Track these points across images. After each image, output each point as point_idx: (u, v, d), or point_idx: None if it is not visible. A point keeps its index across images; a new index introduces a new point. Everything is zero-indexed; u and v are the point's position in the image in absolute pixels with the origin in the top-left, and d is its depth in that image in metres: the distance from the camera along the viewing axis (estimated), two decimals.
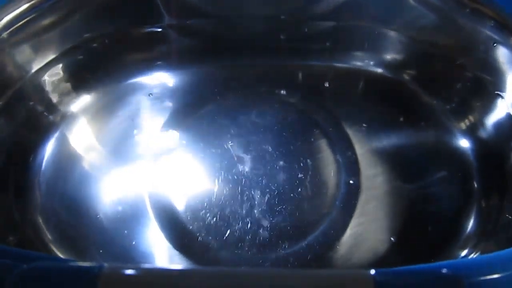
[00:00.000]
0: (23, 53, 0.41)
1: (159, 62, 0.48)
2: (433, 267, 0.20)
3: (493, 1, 0.40)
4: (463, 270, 0.20)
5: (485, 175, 0.41)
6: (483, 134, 0.42)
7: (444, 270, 0.19)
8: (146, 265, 0.35)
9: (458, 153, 0.43)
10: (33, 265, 0.19)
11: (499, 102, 0.40)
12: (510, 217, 0.38)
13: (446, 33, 0.43)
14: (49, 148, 0.43)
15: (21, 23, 0.39)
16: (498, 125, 0.41)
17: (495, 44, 0.39)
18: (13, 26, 0.39)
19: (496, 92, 0.41)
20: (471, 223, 0.40)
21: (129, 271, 0.19)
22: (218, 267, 0.36)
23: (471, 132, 0.43)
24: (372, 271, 0.19)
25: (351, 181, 0.42)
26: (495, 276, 0.20)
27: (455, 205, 0.41)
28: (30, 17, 0.40)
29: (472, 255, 0.37)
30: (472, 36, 0.41)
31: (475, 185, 0.41)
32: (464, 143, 0.43)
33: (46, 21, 0.41)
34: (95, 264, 0.19)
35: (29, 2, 0.39)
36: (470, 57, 0.42)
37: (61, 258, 0.36)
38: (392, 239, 0.39)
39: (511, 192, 0.39)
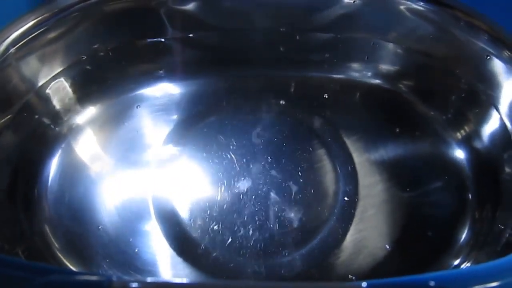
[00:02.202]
0: (30, 66, 0.41)
1: (163, 74, 0.49)
2: (421, 279, 0.21)
3: (487, 14, 0.40)
4: (450, 283, 0.21)
5: (480, 185, 0.42)
6: (478, 144, 0.43)
7: (432, 283, 0.20)
8: (154, 279, 0.36)
9: (453, 163, 0.44)
10: (46, 279, 0.20)
11: (494, 113, 0.41)
12: (502, 227, 0.38)
13: (442, 45, 0.44)
14: (56, 160, 0.43)
15: (28, 38, 0.40)
16: (493, 136, 0.42)
17: (488, 57, 0.40)
18: (20, 41, 0.39)
19: (490, 103, 0.41)
20: (465, 233, 0.40)
21: (138, 285, 0.19)
22: (223, 280, 0.37)
23: (467, 142, 0.44)
24: (364, 284, 0.20)
25: (349, 190, 0.43)
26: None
27: (450, 214, 0.41)
28: (37, 32, 0.40)
29: (465, 264, 0.38)
30: (466, 48, 0.42)
31: (470, 195, 0.42)
32: (459, 153, 0.44)
33: (52, 35, 0.41)
34: (104, 277, 0.20)
35: (36, 18, 0.40)
36: (465, 68, 0.43)
37: (71, 270, 0.37)
38: (387, 247, 0.40)
39: (504, 203, 0.39)
